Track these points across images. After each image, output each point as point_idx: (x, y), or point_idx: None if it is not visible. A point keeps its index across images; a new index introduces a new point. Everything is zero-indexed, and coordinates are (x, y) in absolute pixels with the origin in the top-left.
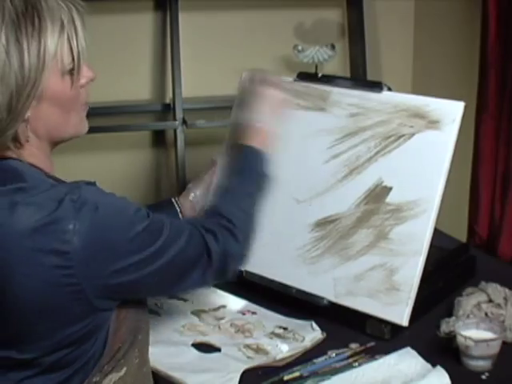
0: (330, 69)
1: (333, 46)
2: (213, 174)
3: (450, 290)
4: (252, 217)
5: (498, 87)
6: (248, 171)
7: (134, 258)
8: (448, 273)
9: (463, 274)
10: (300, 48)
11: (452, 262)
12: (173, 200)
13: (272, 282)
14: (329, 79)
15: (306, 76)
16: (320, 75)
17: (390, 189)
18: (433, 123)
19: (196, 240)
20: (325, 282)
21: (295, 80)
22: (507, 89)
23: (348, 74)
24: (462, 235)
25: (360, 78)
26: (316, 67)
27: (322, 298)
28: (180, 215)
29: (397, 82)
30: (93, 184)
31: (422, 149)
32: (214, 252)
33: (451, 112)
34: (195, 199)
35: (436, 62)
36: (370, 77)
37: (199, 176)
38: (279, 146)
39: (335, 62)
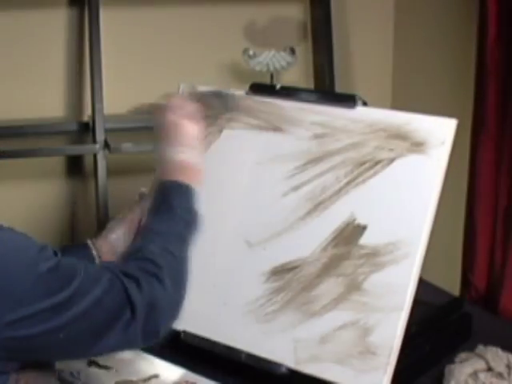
0: (288, 78)
1: (292, 51)
2: (139, 211)
3: (439, 355)
4: (182, 260)
5: (498, 101)
6: (173, 208)
7: (33, 308)
8: (437, 334)
9: (456, 336)
10: (251, 53)
11: (442, 320)
12: (88, 242)
13: (216, 344)
14: (288, 92)
15: (259, 88)
16: (278, 87)
17: (364, 228)
18: (417, 146)
19: (115, 289)
20: (283, 344)
21: (247, 93)
22: (511, 103)
23: (311, 86)
24: (454, 287)
25: (327, 90)
26: (271, 76)
27: (280, 365)
28: (97, 261)
29: (373, 95)
30: None
31: (404, 178)
32: (138, 304)
33: (440, 132)
34: (117, 242)
35: (422, 69)
36: (339, 89)
37: (122, 213)
38: (210, 179)
39: (295, 70)
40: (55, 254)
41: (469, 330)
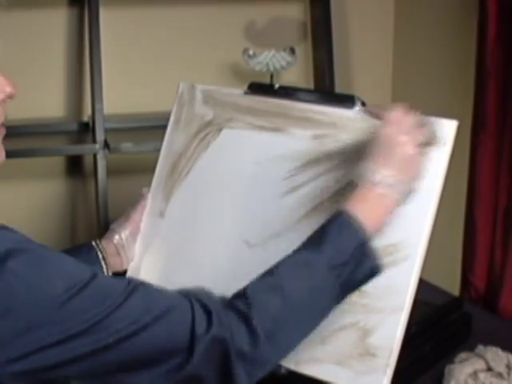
0: (288, 78)
1: (292, 51)
2: (142, 211)
3: (439, 355)
4: (301, 310)
5: (498, 100)
6: (325, 247)
7: (57, 335)
8: (437, 334)
9: (456, 336)
10: (251, 53)
11: (442, 320)
12: (93, 243)
13: None
14: (287, 91)
15: (259, 87)
16: (277, 86)
17: None
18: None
19: (178, 320)
20: None
21: (246, 92)
22: (510, 102)
23: (311, 85)
24: (454, 287)
25: (327, 90)
26: (271, 76)
27: (279, 366)
28: (102, 262)
29: (372, 95)
30: (3, 227)
31: None
32: (199, 341)
33: (441, 133)
34: (120, 242)
35: (422, 69)
36: (339, 89)
37: (125, 214)
38: (209, 179)
39: (295, 69)
40: (94, 275)
41: (468, 330)
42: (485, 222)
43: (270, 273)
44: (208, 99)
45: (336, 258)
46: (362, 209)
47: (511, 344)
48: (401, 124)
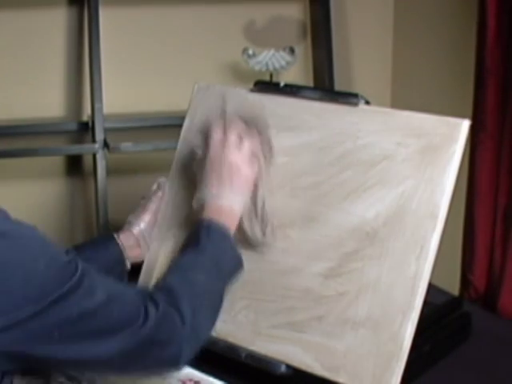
0: (288, 78)
1: (292, 50)
2: (160, 201)
3: (438, 354)
4: (209, 307)
5: (498, 99)
6: (200, 243)
7: (34, 307)
8: (436, 334)
9: (455, 336)
10: (251, 52)
11: (441, 320)
12: (115, 236)
13: (215, 343)
14: (292, 89)
15: (264, 85)
16: (282, 84)
17: (375, 230)
18: (428, 146)
19: (129, 300)
20: (292, 345)
21: (252, 90)
22: (510, 102)
23: (311, 85)
24: (453, 286)
25: (328, 88)
26: (271, 76)
27: (279, 365)
28: (125, 255)
29: (372, 94)
30: None
31: (415, 179)
32: (150, 318)
33: (453, 132)
34: (141, 233)
35: (421, 68)
36: (339, 88)
37: (141, 205)
38: None
39: (295, 69)
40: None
41: (468, 330)
42: (484, 222)
43: (176, 270)
44: (220, 98)
45: (214, 253)
46: (219, 219)
47: (511, 343)
48: (224, 142)
